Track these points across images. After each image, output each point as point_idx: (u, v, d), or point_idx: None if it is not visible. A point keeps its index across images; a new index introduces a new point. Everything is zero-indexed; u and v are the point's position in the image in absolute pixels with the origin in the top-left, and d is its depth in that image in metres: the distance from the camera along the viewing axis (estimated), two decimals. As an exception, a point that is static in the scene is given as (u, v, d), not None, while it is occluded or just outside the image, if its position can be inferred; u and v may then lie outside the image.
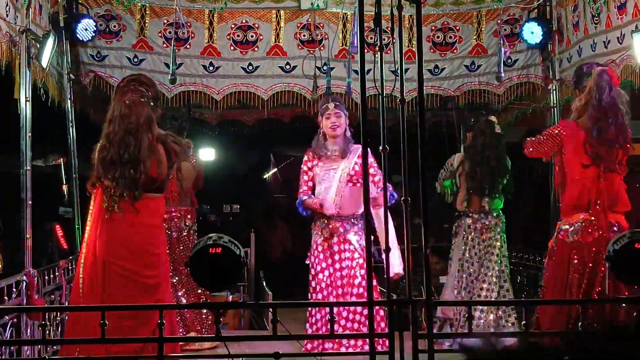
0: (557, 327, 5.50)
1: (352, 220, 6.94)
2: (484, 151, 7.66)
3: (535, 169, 9.38)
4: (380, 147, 4.54)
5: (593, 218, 5.81)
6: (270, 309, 4.88)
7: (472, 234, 7.65)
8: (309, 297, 7.00)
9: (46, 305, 6.82)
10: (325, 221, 6.95)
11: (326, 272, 6.88)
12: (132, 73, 8.57)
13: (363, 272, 6.79)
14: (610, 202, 5.86)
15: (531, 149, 6.17)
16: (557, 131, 6.01)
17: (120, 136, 5.43)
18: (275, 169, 15.01)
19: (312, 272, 6.97)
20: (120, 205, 5.44)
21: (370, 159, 6.47)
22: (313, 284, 6.95)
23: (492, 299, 7.45)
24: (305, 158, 7.18)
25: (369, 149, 4.97)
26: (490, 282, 7.53)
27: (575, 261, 5.79)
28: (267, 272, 10.72)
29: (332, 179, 6.97)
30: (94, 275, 5.45)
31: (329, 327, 6.61)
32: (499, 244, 7.63)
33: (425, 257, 4.50)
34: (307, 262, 7.10)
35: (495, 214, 7.70)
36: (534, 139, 6.15)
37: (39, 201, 7.33)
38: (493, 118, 7.95)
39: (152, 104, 5.61)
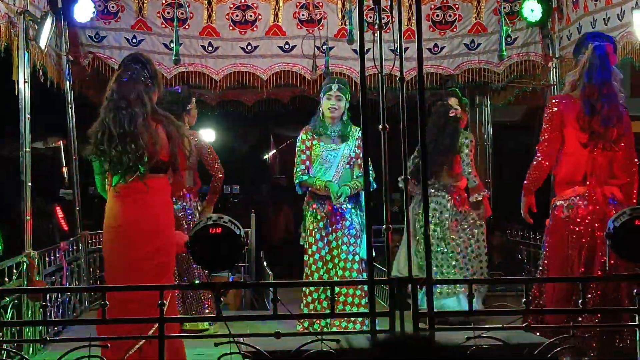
0: (561, 305, 5.49)
1: (348, 200, 6.90)
2: (435, 133, 7.76)
3: (532, 146, 9.34)
4: (380, 126, 4.53)
5: (587, 191, 5.77)
6: (271, 289, 4.88)
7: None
8: (305, 277, 6.99)
9: (47, 286, 6.84)
10: (322, 201, 6.93)
11: (322, 252, 6.86)
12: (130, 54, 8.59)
13: (359, 250, 6.81)
14: (606, 175, 5.80)
15: (545, 160, 5.96)
16: (554, 109, 5.90)
17: (114, 113, 5.41)
18: (275, 150, 15.00)
19: (309, 251, 6.93)
20: (127, 181, 5.40)
21: None
22: (309, 262, 6.91)
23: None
24: (303, 137, 7.08)
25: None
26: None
27: (573, 237, 5.76)
28: (268, 252, 10.74)
29: (333, 160, 6.95)
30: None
31: (323, 306, 6.70)
32: (446, 217, 7.74)
33: (426, 236, 4.51)
34: (302, 242, 7.07)
35: (444, 189, 7.79)
36: (542, 149, 5.95)
37: (39, 183, 7.33)
38: (453, 100, 8.00)
39: (144, 80, 5.56)
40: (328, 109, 6.95)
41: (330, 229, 6.89)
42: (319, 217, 6.90)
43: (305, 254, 6.99)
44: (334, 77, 7.39)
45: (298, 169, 7.03)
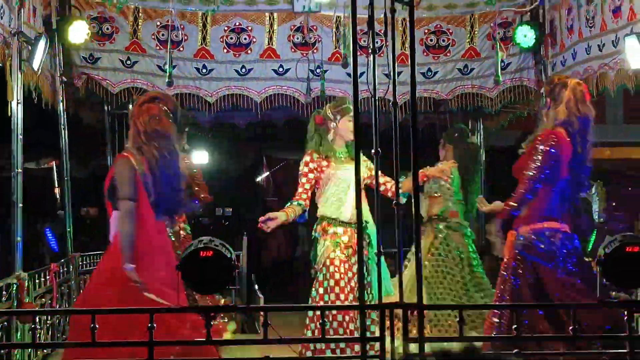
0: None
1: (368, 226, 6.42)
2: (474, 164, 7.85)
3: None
4: (373, 150, 4.52)
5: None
6: (262, 313, 4.85)
7: (447, 238, 7.73)
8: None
9: (37, 308, 6.80)
10: (339, 229, 6.57)
11: (346, 278, 6.41)
12: (125, 75, 8.61)
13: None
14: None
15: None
16: (557, 151, 5.63)
17: None
18: (268, 173, 14.99)
19: (331, 282, 6.41)
20: None
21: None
22: (332, 296, 6.39)
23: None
24: (308, 158, 6.64)
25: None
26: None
27: None
28: (260, 276, 10.71)
29: (346, 182, 6.55)
30: None
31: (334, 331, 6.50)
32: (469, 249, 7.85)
33: (417, 261, 4.48)
34: (314, 271, 6.55)
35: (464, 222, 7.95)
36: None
37: (30, 204, 7.30)
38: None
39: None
40: (351, 131, 6.42)
41: (353, 260, 6.43)
42: (338, 247, 6.50)
43: (327, 284, 6.44)
44: (343, 98, 7.18)
45: (297, 191, 6.61)
